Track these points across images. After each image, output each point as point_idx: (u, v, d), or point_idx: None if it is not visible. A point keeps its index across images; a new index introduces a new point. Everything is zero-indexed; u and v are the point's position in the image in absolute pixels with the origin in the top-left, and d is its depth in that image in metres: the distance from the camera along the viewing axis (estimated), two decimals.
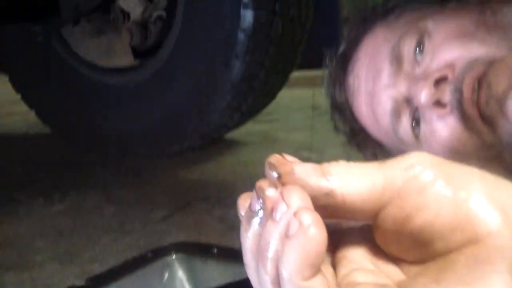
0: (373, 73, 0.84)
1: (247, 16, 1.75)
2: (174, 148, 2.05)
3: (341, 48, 0.92)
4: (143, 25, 2.02)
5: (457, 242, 0.31)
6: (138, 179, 1.94)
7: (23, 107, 2.44)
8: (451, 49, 0.76)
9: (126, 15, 1.98)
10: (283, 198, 0.31)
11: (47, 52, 2.22)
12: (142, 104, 2.03)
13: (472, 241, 0.31)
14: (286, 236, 0.31)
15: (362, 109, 0.88)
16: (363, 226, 0.36)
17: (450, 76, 0.75)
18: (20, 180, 2.02)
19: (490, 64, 0.72)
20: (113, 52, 2.16)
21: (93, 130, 2.18)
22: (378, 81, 0.83)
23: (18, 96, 2.39)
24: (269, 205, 0.32)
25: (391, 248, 0.34)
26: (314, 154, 2.00)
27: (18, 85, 2.37)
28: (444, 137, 0.76)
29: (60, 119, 2.27)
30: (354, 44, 0.90)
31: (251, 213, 0.33)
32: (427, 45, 0.79)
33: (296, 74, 2.15)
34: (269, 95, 2.01)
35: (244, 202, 0.35)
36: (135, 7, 1.96)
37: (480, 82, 0.72)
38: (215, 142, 2.18)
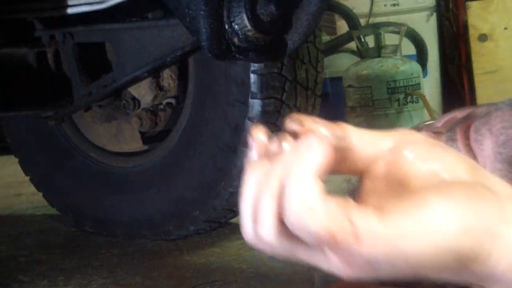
0: None
1: (255, 104, 1.79)
2: (180, 232, 2.06)
3: None
4: (153, 111, 2.07)
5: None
6: (143, 262, 1.94)
7: (30, 188, 2.46)
8: None
9: (136, 101, 2.01)
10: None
11: (57, 135, 2.27)
12: (150, 188, 2.05)
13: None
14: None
15: None
16: None
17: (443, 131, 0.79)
18: (24, 261, 2.02)
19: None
20: (122, 137, 2.20)
21: (100, 212, 2.19)
22: None
23: (26, 177, 2.42)
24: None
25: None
26: None
27: (27, 167, 2.40)
28: None
29: (67, 202, 2.29)
30: None
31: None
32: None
33: None
34: None
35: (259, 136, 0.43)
36: (146, 95, 1.99)
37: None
38: (221, 226, 2.19)
